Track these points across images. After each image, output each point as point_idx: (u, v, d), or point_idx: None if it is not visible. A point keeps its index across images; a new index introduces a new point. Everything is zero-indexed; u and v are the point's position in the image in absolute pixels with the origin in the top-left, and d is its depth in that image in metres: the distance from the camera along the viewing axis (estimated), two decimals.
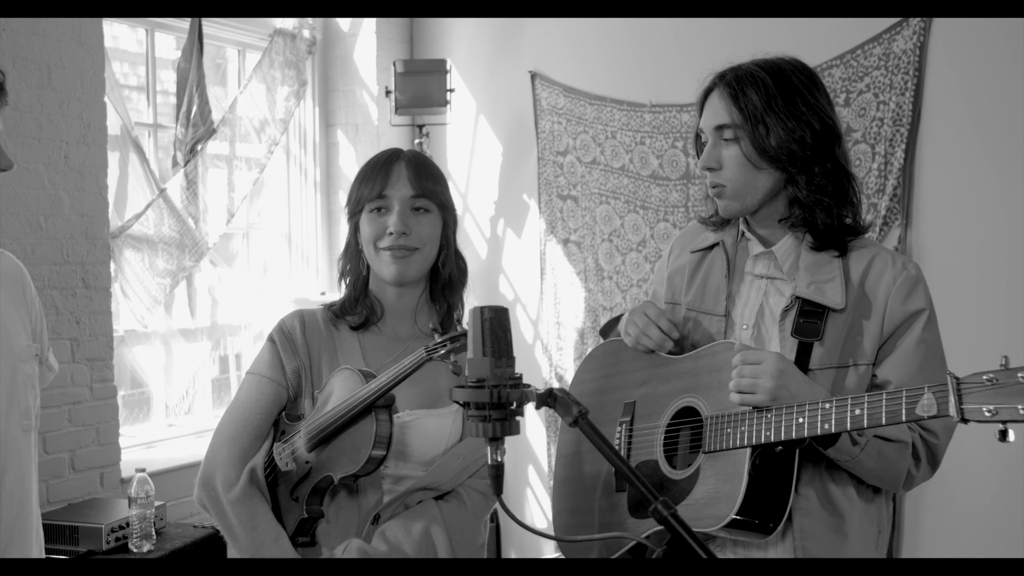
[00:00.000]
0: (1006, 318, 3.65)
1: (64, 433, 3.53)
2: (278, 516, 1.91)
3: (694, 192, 4.35)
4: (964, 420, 1.45)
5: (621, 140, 4.53)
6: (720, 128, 1.87)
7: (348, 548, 1.84)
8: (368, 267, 2.01)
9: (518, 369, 1.41)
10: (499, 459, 1.41)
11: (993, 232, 3.74)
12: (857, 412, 1.59)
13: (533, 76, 4.79)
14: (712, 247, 2.01)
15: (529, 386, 1.40)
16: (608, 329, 2.22)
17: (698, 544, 1.32)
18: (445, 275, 2.02)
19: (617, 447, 1.94)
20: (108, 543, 3.15)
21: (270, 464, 1.93)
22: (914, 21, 3.82)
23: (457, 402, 1.42)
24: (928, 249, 3.74)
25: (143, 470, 3.24)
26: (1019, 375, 1.40)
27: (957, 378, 1.46)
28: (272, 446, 1.94)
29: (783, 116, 1.82)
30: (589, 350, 4.63)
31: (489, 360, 1.39)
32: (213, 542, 3.38)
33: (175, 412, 4.44)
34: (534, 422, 4.81)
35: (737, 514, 1.70)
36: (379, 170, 1.97)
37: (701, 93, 1.93)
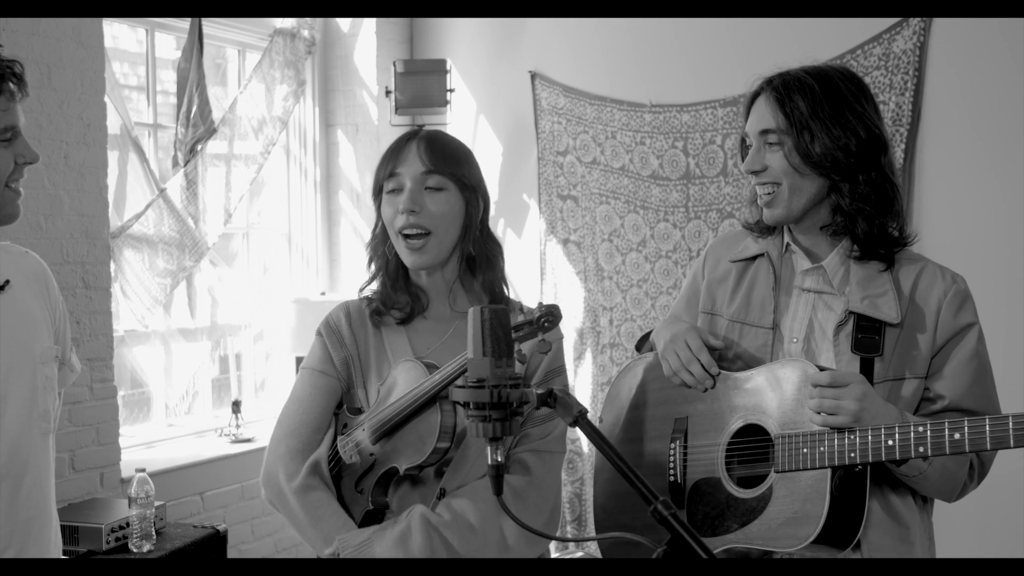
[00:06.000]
0: (1006, 318, 3.65)
1: (64, 433, 3.53)
2: (345, 508, 1.89)
3: (694, 192, 4.35)
4: None
5: (621, 140, 4.53)
6: (765, 133, 1.86)
7: (412, 513, 1.82)
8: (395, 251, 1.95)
9: (518, 369, 1.41)
10: (499, 459, 1.42)
11: (993, 232, 3.74)
12: (956, 437, 1.60)
13: (533, 76, 4.79)
14: (755, 258, 1.99)
15: (529, 386, 1.40)
16: (642, 344, 2.18)
17: (698, 544, 1.32)
18: (467, 256, 1.95)
19: (671, 465, 1.93)
20: (108, 543, 3.15)
21: (334, 457, 1.92)
22: (914, 21, 3.82)
23: (457, 402, 1.43)
24: (927, 249, 3.71)
25: (143, 470, 3.24)
26: None
27: None
28: (335, 440, 1.93)
29: (828, 123, 1.81)
30: (588, 352, 4.66)
31: (489, 360, 1.40)
32: (213, 542, 3.38)
33: (175, 412, 4.44)
34: None
35: (819, 533, 1.70)
36: (394, 149, 1.94)
37: (748, 97, 1.92)
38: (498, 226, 4.98)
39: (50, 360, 1.98)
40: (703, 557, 1.31)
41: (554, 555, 4.65)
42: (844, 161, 1.82)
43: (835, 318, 1.86)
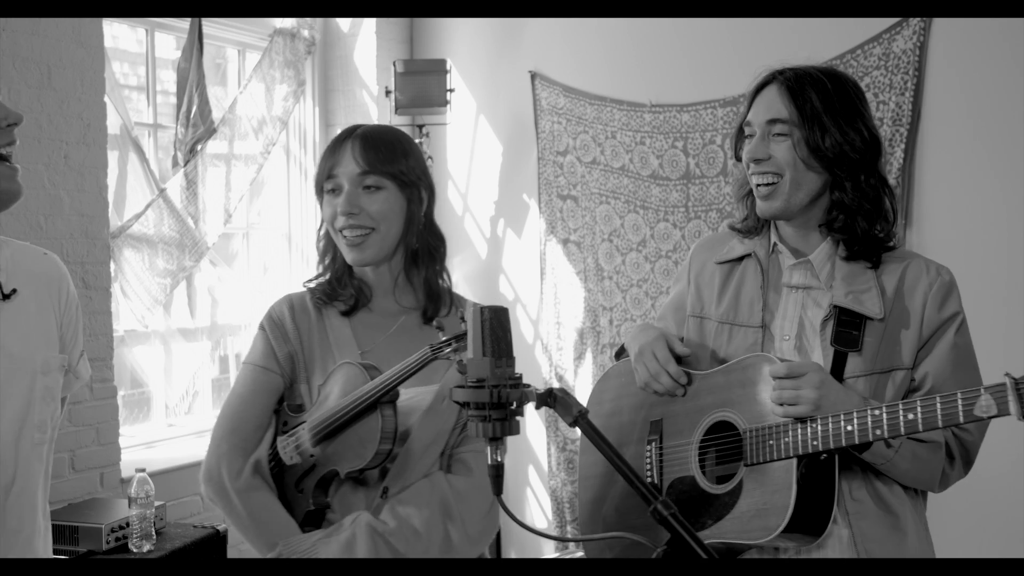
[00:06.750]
0: (1006, 317, 3.65)
1: (64, 433, 3.52)
2: (285, 506, 1.90)
3: (694, 192, 4.35)
4: None
5: (621, 140, 4.53)
6: (773, 122, 1.87)
7: (357, 521, 1.82)
8: None
9: (518, 369, 1.41)
10: (499, 459, 1.42)
11: (993, 232, 3.74)
12: (911, 417, 1.61)
13: (533, 76, 4.79)
14: (742, 258, 2.00)
15: (529, 386, 1.40)
16: (621, 352, 2.21)
17: (698, 544, 1.32)
18: (411, 249, 1.96)
19: (648, 466, 1.94)
20: (108, 543, 3.15)
21: (275, 456, 1.92)
22: (914, 21, 3.82)
23: (457, 402, 1.42)
24: (928, 249, 3.74)
25: (143, 470, 3.24)
26: None
27: (1015, 378, 1.47)
28: (275, 438, 1.93)
29: (840, 119, 1.84)
30: (588, 352, 4.66)
31: (489, 360, 1.39)
32: (213, 542, 3.38)
33: (175, 412, 4.44)
34: (534, 422, 4.81)
35: (788, 523, 1.71)
36: (330, 149, 1.94)
37: (754, 86, 1.93)
38: (498, 226, 4.98)
39: (53, 370, 1.95)
40: (703, 557, 1.31)
41: (554, 555, 4.65)
42: (851, 157, 1.84)
43: (823, 313, 1.87)
